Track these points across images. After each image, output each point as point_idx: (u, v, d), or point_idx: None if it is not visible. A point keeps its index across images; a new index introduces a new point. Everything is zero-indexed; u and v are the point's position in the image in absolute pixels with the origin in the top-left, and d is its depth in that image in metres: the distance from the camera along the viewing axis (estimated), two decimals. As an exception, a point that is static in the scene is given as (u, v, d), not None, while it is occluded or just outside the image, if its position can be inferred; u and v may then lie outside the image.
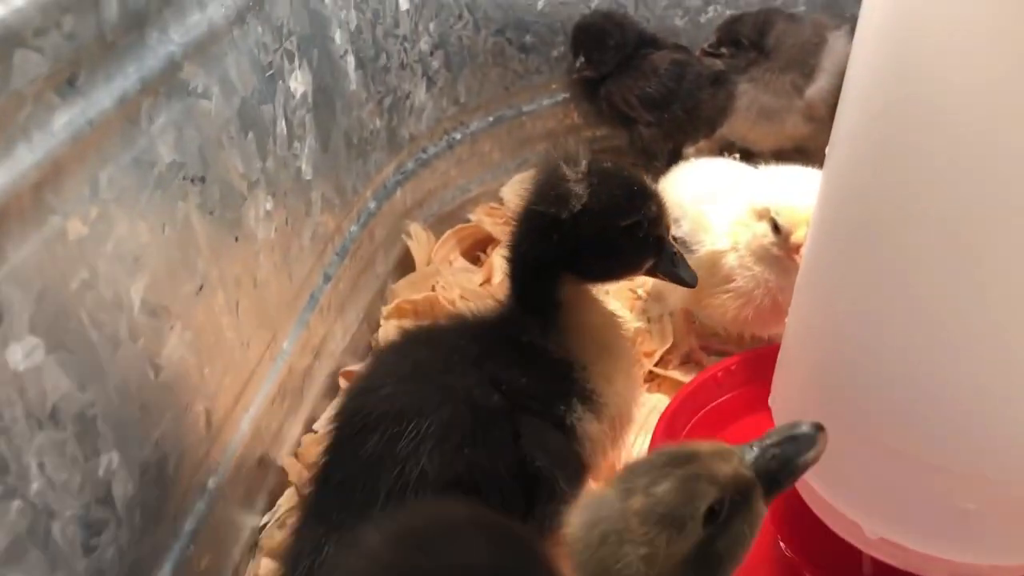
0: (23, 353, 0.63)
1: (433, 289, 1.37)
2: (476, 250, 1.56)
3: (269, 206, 1.01)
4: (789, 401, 0.92)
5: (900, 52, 0.67)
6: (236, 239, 0.94)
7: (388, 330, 1.32)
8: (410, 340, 0.90)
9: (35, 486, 0.64)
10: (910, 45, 0.65)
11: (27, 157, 0.64)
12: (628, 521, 0.62)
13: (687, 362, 1.31)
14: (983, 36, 0.60)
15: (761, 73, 1.55)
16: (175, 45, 0.83)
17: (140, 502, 0.75)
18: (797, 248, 1.06)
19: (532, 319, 0.88)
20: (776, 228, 1.07)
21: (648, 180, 0.89)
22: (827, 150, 0.84)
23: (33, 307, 0.64)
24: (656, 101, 1.51)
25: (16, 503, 0.62)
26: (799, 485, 0.94)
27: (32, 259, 0.64)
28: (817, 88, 1.52)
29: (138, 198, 0.77)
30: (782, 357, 0.94)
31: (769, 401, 0.97)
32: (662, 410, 1.10)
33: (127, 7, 0.75)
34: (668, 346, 1.30)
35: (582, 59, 1.51)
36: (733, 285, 1.13)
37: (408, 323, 1.34)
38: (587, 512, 0.65)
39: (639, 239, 0.88)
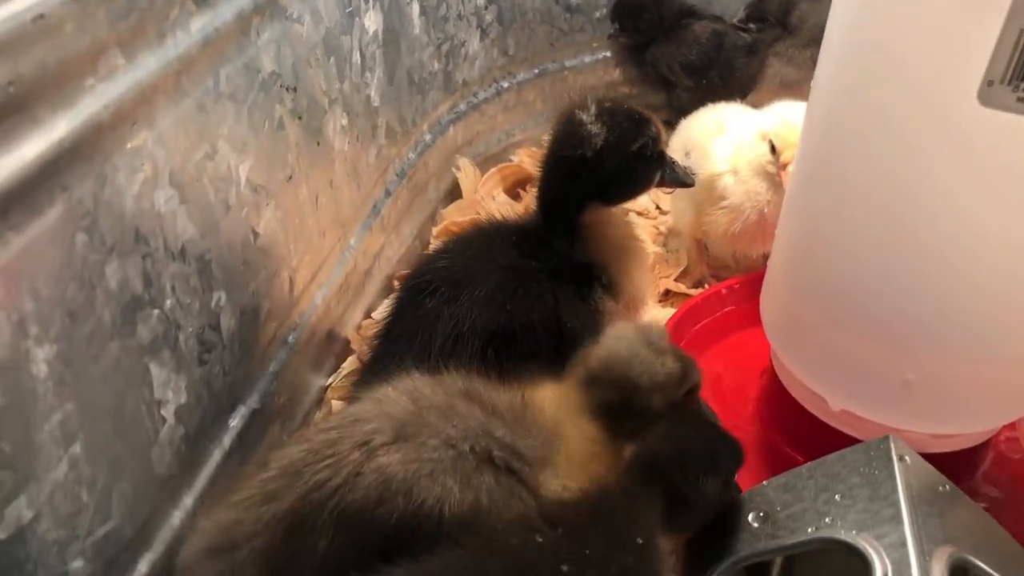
0: (164, 199, 0.82)
1: (478, 214, 1.55)
2: (517, 187, 1.74)
3: (344, 122, 1.20)
4: (774, 300, 1.09)
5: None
6: (318, 144, 1.12)
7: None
8: (461, 233, 1.10)
9: (168, 303, 0.83)
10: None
11: (172, 50, 0.83)
12: (659, 349, 0.85)
13: (699, 286, 1.48)
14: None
15: (785, 48, 1.71)
16: (278, -24, 1.02)
17: (239, 336, 0.95)
18: (784, 165, 1.23)
19: (560, 237, 1.05)
20: (772, 148, 1.25)
21: (640, 108, 1.07)
22: (811, 84, 1.01)
23: (171, 166, 0.83)
24: (697, 68, 1.68)
25: (156, 311, 0.81)
26: (778, 368, 1.11)
27: (171, 128, 0.83)
28: None
29: (246, 96, 0.96)
30: (770, 266, 1.11)
31: (760, 303, 1.14)
32: (670, 318, 1.28)
33: (245, -59, 0.94)
34: (682, 269, 1.47)
35: (616, 26, 1.69)
36: (726, 203, 1.31)
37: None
38: (624, 339, 0.87)
39: (647, 158, 1.05)
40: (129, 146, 0.77)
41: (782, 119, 1.25)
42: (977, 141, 0.81)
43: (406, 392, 0.79)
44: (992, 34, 0.75)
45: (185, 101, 0.86)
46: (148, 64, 0.79)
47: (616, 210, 1.10)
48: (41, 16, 0.65)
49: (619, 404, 0.85)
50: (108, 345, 0.75)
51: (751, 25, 1.75)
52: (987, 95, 0.77)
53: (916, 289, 0.90)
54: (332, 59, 1.16)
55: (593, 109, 1.01)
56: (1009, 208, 0.84)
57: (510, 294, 0.96)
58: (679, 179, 1.10)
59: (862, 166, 0.90)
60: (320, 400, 1.16)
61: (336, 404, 1.16)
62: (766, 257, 1.48)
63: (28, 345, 0.66)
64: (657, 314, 1.38)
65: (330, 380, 1.19)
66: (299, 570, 0.73)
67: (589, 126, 1.00)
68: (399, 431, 0.75)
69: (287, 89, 1.04)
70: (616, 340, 0.88)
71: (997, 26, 0.74)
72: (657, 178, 1.08)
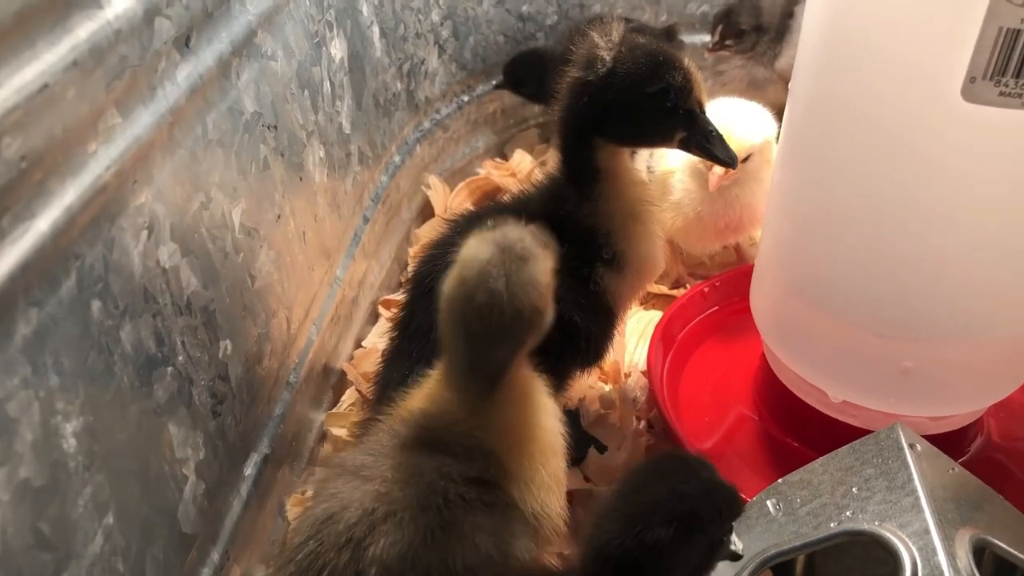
0: (167, 254, 0.81)
1: (453, 231, 1.55)
2: (486, 200, 1.73)
3: (321, 154, 1.19)
4: (766, 298, 1.11)
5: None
6: (300, 179, 1.12)
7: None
8: (468, 219, 1.03)
9: (180, 358, 0.82)
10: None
11: (163, 103, 0.82)
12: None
13: (677, 286, 1.50)
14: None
15: (763, 48, 1.69)
16: (251, 15, 1.00)
17: (247, 383, 0.94)
18: (711, 166, 1.26)
19: (572, 189, 0.98)
20: None
21: (679, 56, 0.97)
22: (790, 85, 1.03)
23: (171, 220, 0.82)
24: None
25: (170, 368, 0.80)
26: (774, 365, 1.14)
27: (168, 182, 0.82)
28: (787, 59, 1.68)
29: (233, 140, 0.95)
30: (758, 265, 1.13)
31: (750, 302, 1.16)
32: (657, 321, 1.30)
33: (219, -16, 0.93)
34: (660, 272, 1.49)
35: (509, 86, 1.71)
36: (672, 199, 1.34)
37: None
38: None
39: (666, 108, 0.96)
40: (132, 205, 0.76)
41: (717, 120, 1.27)
42: (962, 134, 0.84)
43: (351, 475, 0.75)
44: (972, 32, 0.77)
45: (178, 152, 0.84)
46: (143, 119, 0.78)
47: (630, 164, 1.04)
48: (46, 86, 0.63)
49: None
50: (129, 409, 0.74)
51: (728, 43, 1.72)
52: (970, 91, 0.80)
53: (909, 278, 0.93)
54: (306, 92, 1.14)
55: (614, 36, 0.94)
56: (993, 198, 0.87)
57: None
58: (711, 152, 1.00)
59: (849, 162, 0.92)
60: (323, 436, 1.15)
61: (337, 432, 1.15)
62: (736, 251, 1.51)
63: (57, 421, 0.65)
64: (642, 317, 1.40)
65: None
66: None
67: (600, 51, 0.93)
68: (371, 517, 0.72)
69: (268, 128, 1.03)
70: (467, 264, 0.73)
71: (977, 24, 0.77)
72: (679, 137, 1.00)
